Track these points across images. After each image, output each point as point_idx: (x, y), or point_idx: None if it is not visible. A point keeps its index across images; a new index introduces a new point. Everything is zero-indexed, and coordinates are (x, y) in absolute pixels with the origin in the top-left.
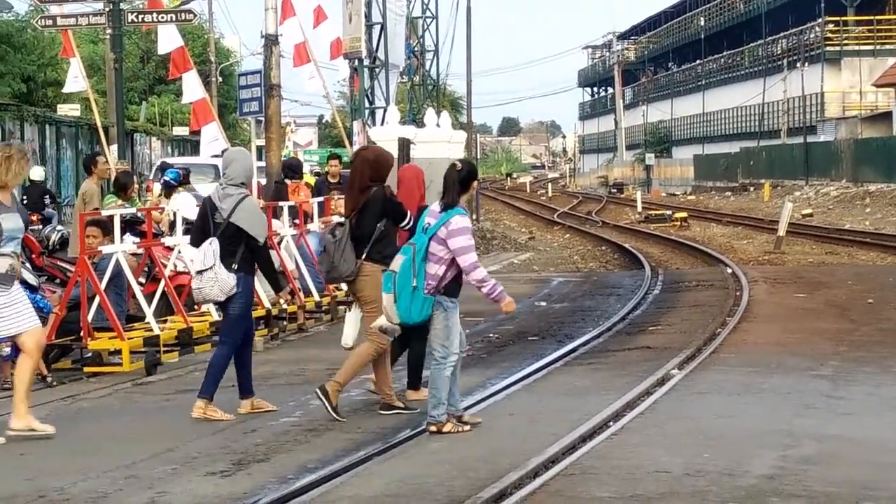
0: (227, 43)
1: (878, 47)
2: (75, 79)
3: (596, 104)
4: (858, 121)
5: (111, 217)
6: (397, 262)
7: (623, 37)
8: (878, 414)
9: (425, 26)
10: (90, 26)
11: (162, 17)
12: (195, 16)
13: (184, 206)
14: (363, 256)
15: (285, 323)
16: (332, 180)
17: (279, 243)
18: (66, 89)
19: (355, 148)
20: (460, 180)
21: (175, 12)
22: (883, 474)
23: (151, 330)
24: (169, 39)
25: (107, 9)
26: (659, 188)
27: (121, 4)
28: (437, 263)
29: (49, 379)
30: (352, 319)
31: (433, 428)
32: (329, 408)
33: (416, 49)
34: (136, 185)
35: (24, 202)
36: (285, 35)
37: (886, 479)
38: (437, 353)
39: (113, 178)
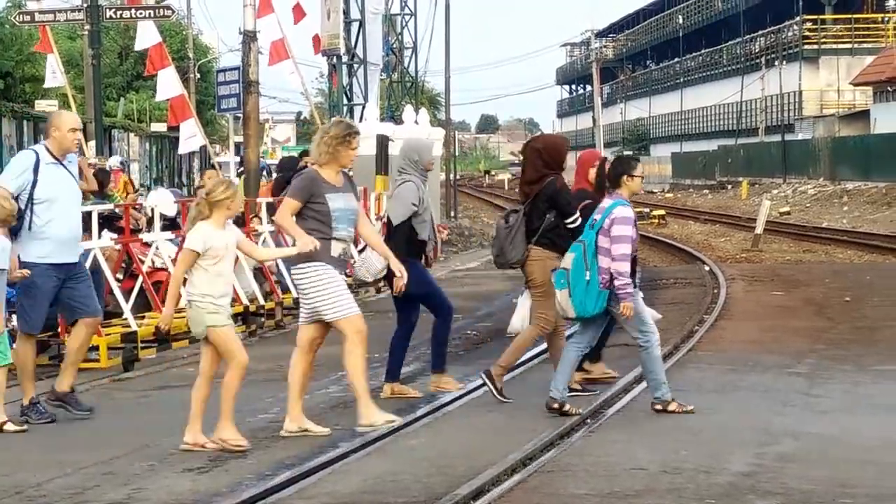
0: (205, 39)
1: (855, 46)
2: (53, 74)
3: (574, 102)
4: (836, 119)
5: (89, 213)
6: (568, 260)
7: (601, 34)
8: (854, 412)
9: (404, 23)
10: (68, 22)
11: (140, 14)
12: (174, 12)
13: (162, 202)
14: (533, 241)
15: (263, 320)
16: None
17: (258, 240)
18: (46, 84)
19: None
20: (609, 176)
21: (153, 8)
22: (860, 472)
23: (129, 326)
24: (146, 35)
25: (85, 4)
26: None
27: (99, 0)
28: (606, 256)
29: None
30: (523, 305)
31: (658, 407)
32: (494, 391)
33: (394, 46)
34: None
35: None
36: (263, 31)
37: (863, 477)
38: (639, 339)
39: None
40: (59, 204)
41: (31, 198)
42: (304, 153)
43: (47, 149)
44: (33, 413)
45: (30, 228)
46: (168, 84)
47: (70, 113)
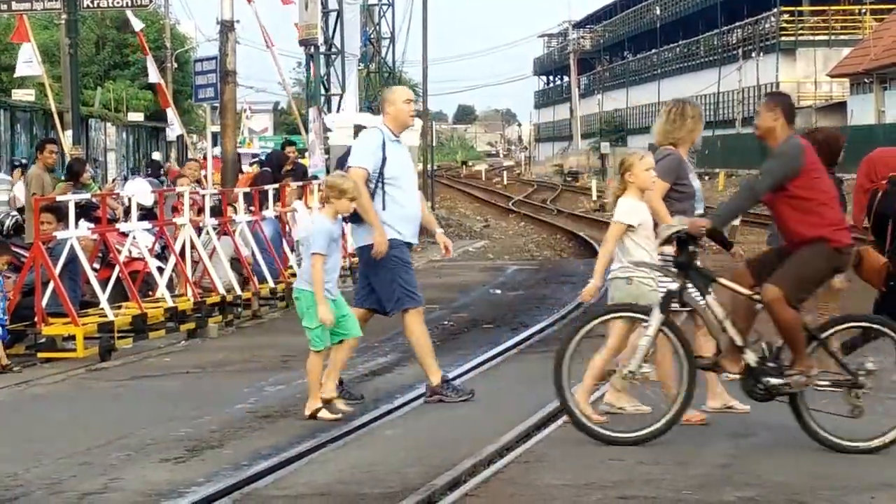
0: (182, 29)
1: (832, 38)
2: (27, 63)
3: (551, 92)
4: (813, 111)
5: (66, 203)
6: None
7: (579, 25)
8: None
9: (382, 13)
10: (45, 10)
11: (117, 3)
12: (151, 1)
13: (139, 192)
14: None
15: (240, 310)
16: (287, 167)
17: (234, 231)
18: (17, 73)
19: (310, 135)
20: None
21: None
22: (836, 464)
23: (106, 316)
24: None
25: None
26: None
27: None
28: None
29: (5, 364)
30: None
31: None
32: None
33: (372, 36)
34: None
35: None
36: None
37: (839, 469)
38: None
39: (66, 164)
40: (406, 183)
41: (381, 176)
42: (286, 143)
43: (387, 126)
44: (450, 391)
45: (384, 208)
46: (151, 71)
47: (401, 86)
